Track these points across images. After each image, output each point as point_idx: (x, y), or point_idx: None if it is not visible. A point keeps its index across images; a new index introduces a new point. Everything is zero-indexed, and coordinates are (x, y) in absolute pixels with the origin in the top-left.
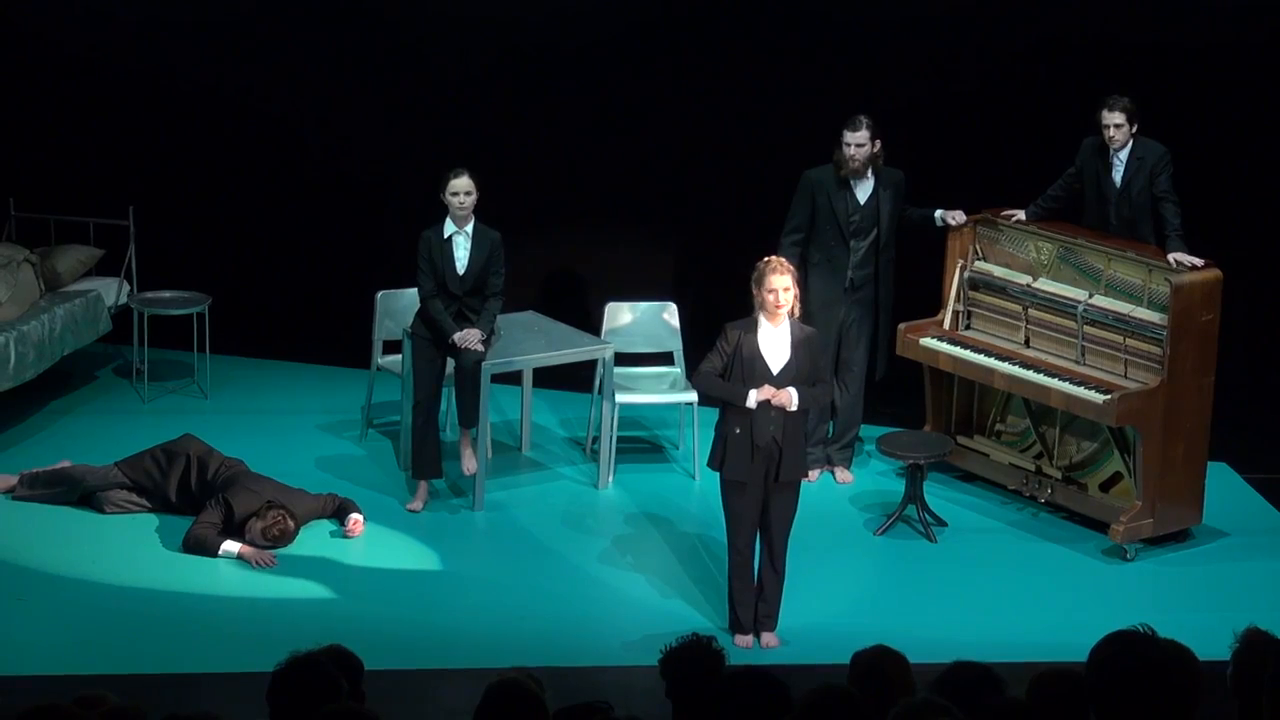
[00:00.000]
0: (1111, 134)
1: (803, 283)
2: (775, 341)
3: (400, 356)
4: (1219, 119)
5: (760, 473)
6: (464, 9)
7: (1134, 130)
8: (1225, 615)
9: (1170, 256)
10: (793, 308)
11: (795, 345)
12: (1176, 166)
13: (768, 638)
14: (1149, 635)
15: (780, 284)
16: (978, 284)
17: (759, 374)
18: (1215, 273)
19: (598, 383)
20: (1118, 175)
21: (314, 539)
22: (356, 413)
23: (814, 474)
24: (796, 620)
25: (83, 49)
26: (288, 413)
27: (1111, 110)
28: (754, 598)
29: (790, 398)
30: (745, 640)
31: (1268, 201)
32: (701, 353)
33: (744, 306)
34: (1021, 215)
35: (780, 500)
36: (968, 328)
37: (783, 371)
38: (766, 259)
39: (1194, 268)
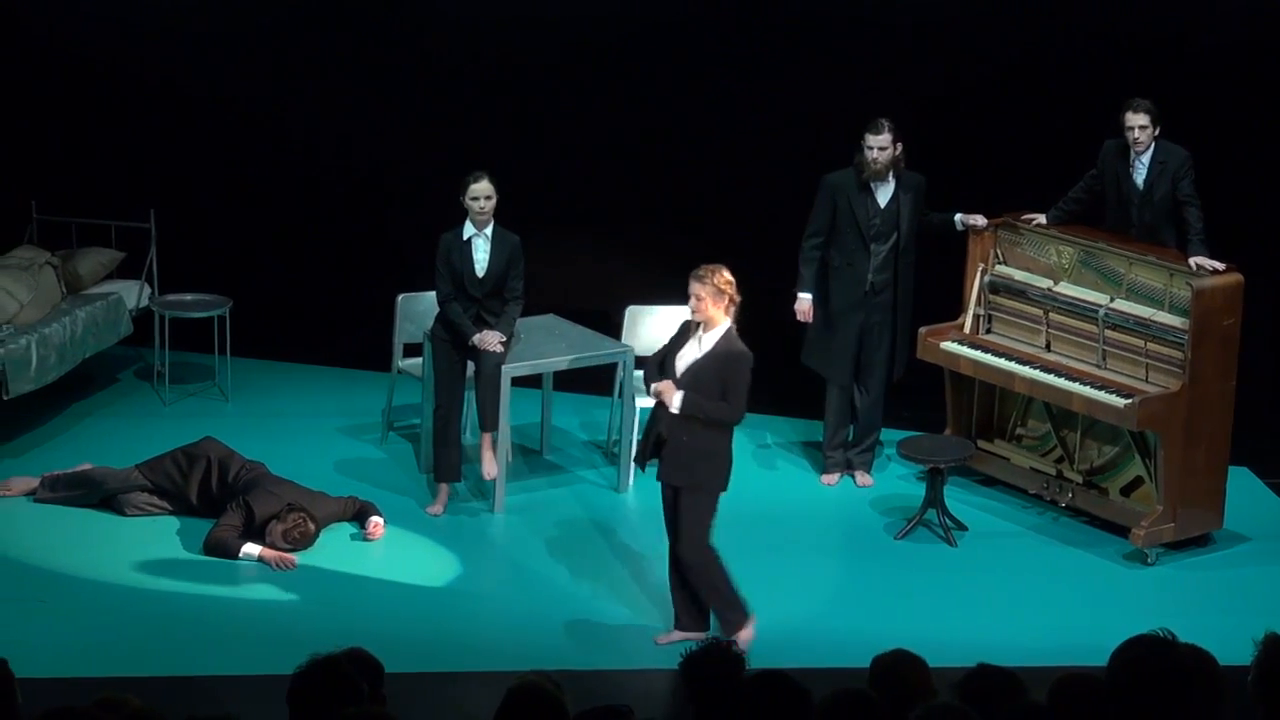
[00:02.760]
0: (1136, 135)
1: (822, 287)
2: (697, 345)
3: (421, 360)
4: (1239, 122)
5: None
6: (483, 12)
7: (1157, 133)
8: (1246, 620)
9: (1191, 260)
10: (706, 316)
11: (712, 355)
12: (1197, 170)
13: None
14: (1169, 640)
15: (691, 290)
16: (998, 288)
17: (668, 370)
18: (1236, 277)
19: (618, 386)
20: (1140, 178)
21: (334, 542)
22: (377, 416)
23: (834, 478)
24: (816, 624)
25: (104, 54)
26: (308, 415)
27: (1135, 112)
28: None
29: (673, 396)
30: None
31: None
32: None
33: (764, 309)
34: (1042, 219)
35: (677, 502)
36: (988, 331)
37: (685, 373)
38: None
39: (1215, 271)
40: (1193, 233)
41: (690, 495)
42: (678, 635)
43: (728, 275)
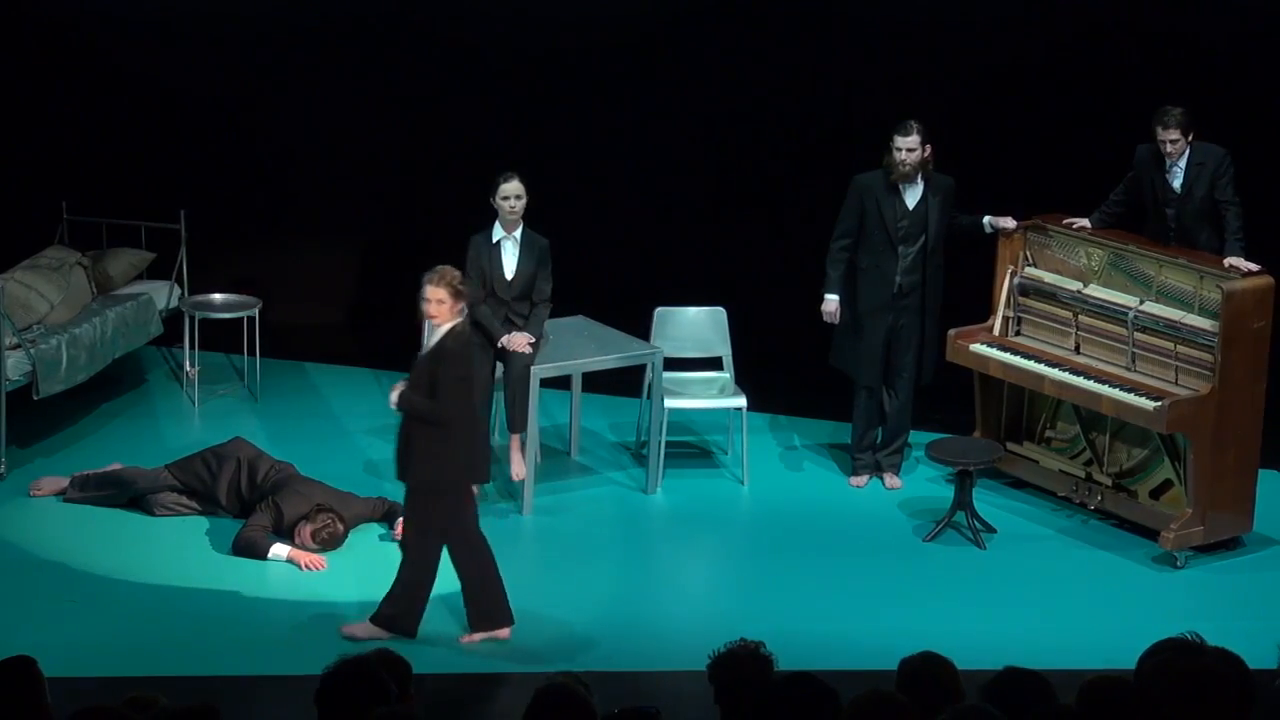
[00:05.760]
0: (1169, 149)
1: (850, 289)
2: (426, 344)
3: None
4: (1270, 121)
5: None
6: (511, 12)
7: (1190, 140)
8: (1276, 624)
9: (1226, 261)
10: (440, 317)
11: (431, 352)
12: (1235, 168)
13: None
14: (1198, 643)
15: (426, 293)
16: (1028, 290)
17: None
18: (1267, 279)
19: (647, 387)
20: (1177, 182)
21: (363, 542)
22: None
23: (862, 480)
24: (844, 626)
25: (134, 54)
26: (337, 416)
27: (1167, 127)
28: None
29: (393, 394)
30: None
31: None
32: (752, 358)
33: (794, 311)
34: (1086, 223)
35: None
36: (1018, 334)
37: (412, 370)
38: None
39: (1249, 273)
40: (1230, 234)
41: (415, 493)
42: (479, 636)
43: (458, 273)
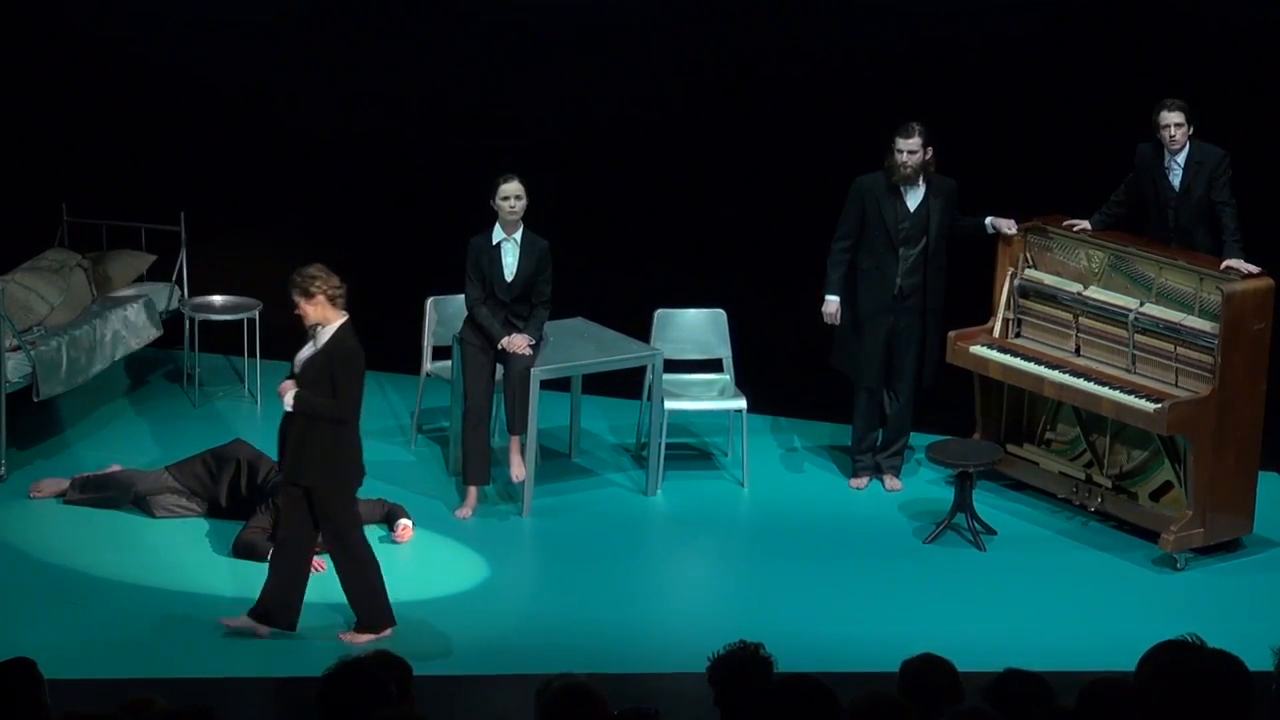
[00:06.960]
0: (1172, 133)
1: (851, 290)
2: (313, 344)
3: (450, 362)
4: (1270, 122)
5: None
6: (514, 14)
7: (1191, 132)
8: (1275, 626)
9: (1224, 263)
10: (313, 318)
11: (322, 352)
12: (1234, 169)
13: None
14: (1198, 645)
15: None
16: (1028, 292)
17: (295, 369)
18: (1267, 281)
19: (647, 389)
20: (1175, 179)
21: None
22: (406, 418)
23: (863, 481)
24: (844, 628)
25: (135, 54)
26: None
27: (1170, 110)
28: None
29: (285, 394)
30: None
31: None
32: (751, 359)
33: (794, 312)
34: (1086, 225)
35: (310, 500)
36: (1018, 336)
37: (300, 371)
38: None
39: (1248, 275)
40: (1228, 235)
41: (322, 493)
42: (364, 637)
43: (316, 272)
